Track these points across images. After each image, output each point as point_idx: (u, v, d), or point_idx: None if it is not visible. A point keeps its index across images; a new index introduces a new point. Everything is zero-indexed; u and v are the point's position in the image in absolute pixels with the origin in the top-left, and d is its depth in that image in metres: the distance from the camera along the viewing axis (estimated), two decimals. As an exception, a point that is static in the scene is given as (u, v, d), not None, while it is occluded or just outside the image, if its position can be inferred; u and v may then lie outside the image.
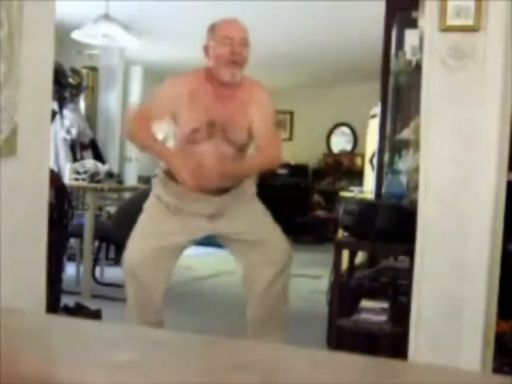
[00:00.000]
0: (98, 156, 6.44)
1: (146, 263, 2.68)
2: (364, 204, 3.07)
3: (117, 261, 5.45)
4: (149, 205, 2.82)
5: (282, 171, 8.87)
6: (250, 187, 2.86)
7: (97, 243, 4.95)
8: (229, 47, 2.60)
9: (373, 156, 4.44)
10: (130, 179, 6.77)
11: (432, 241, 2.44)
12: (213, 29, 2.69)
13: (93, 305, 3.75)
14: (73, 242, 5.03)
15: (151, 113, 2.72)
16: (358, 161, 9.08)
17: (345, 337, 2.86)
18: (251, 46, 2.67)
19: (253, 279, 2.78)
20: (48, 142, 2.59)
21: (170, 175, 2.70)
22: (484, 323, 2.40)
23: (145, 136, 2.68)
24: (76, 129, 6.21)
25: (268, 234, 2.78)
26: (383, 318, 2.73)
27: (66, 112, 6.18)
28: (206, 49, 2.69)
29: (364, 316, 2.75)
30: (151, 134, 2.68)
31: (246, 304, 2.83)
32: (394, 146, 3.61)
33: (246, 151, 2.80)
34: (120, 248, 5.10)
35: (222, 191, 2.72)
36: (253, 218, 2.79)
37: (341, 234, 3.15)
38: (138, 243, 2.76)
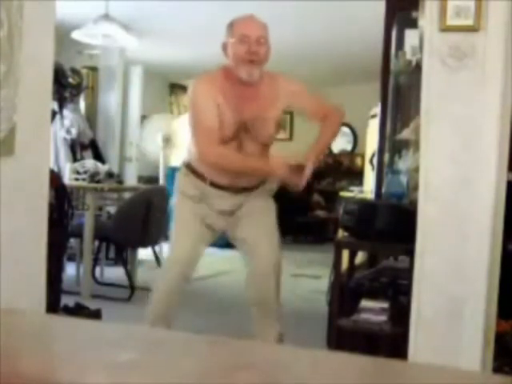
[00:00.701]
0: (98, 156, 6.44)
1: (191, 258, 2.72)
2: (364, 204, 3.08)
3: (117, 261, 5.46)
4: (177, 205, 2.81)
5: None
6: (270, 184, 2.83)
7: (97, 243, 4.95)
8: (245, 46, 2.56)
9: (373, 156, 4.45)
10: (130, 179, 6.77)
11: (432, 241, 2.44)
12: (231, 26, 2.64)
13: (93, 305, 3.75)
14: (73, 242, 5.03)
15: (211, 129, 2.62)
16: (358, 161, 9.08)
17: (345, 337, 2.86)
18: (270, 44, 2.63)
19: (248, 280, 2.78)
20: (48, 142, 2.59)
21: (190, 169, 2.73)
22: (484, 323, 2.40)
23: (231, 158, 2.66)
24: (76, 129, 6.22)
25: (259, 244, 2.73)
26: (383, 317, 2.73)
27: (66, 112, 6.18)
28: (225, 47, 2.66)
29: (364, 316, 2.75)
30: (231, 152, 2.66)
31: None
32: (394, 146, 3.61)
33: (270, 145, 2.79)
34: (120, 248, 5.12)
35: (244, 189, 2.73)
36: (255, 223, 2.77)
37: (341, 234, 3.15)
38: (181, 243, 2.75)
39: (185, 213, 2.77)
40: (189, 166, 2.76)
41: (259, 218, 2.78)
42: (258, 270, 2.72)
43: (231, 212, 2.77)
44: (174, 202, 2.83)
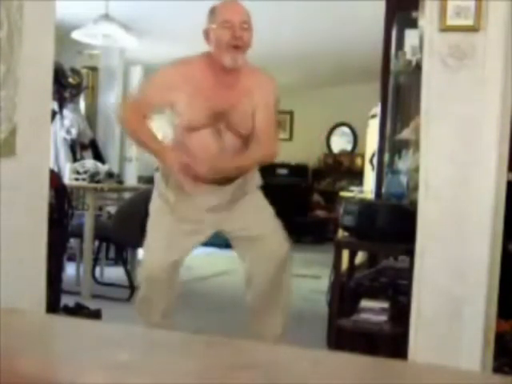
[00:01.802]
0: (98, 156, 6.44)
1: (164, 271, 2.63)
2: (364, 204, 3.08)
3: (117, 261, 5.46)
4: (153, 207, 2.74)
5: (282, 171, 8.88)
6: (253, 179, 2.76)
7: (97, 243, 4.95)
8: (229, 31, 2.49)
9: (373, 156, 4.45)
10: (130, 179, 6.77)
11: (432, 241, 2.44)
12: (213, 12, 2.57)
13: (93, 305, 3.75)
14: (73, 242, 5.03)
15: (145, 101, 2.65)
16: (358, 161, 9.08)
17: (345, 337, 2.86)
18: (253, 30, 2.55)
19: (253, 276, 2.72)
20: (48, 142, 2.59)
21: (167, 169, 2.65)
22: (484, 323, 2.40)
23: (138, 129, 2.63)
24: (76, 129, 6.21)
25: (265, 229, 2.70)
26: (383, 317, 2.73)
27: (66, 112, 6.17)
28: (207, 33, 2.58)
29: (364, 316, 2.75)
30: (145, 126, 2.62)
31: (245, 293, 2.78)
32: (394, 145, 3.61)
33: (250, 140, 2.66)
34: (120, 248, 5.12)
35: (225, 181, 2.64)
36: (252, 211, 2.72)
37: (341, 234, 3.15)
38: (153, 254, 2.67)
39: (162, 222, 2.68)
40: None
41: (257, 211, 2.73)
42: (272, 255, 2.66)
43: (220, 206, 2.67)
44: (152, 206, 2.73)
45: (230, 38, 2.48)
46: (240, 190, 2.70)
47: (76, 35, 5.29)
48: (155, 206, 2.73)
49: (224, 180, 2.61)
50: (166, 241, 2.64)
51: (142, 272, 2.80)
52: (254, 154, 2.63)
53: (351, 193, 5.58)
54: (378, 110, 3.98)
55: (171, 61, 2.72)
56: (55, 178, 3.43)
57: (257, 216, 2.73)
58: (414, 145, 3.19)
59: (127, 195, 5.42)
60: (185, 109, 2.59)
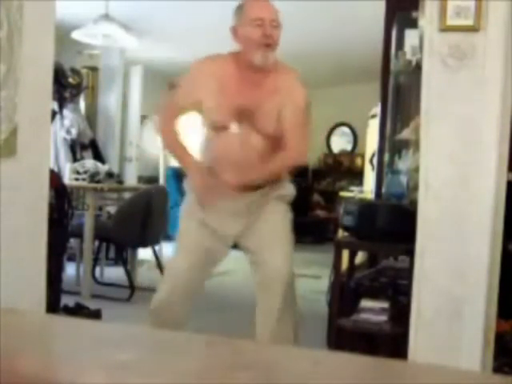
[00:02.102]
0: (98, 156, 6.44)
1: (186, 273, 2.61)
2: (364, 204, 3.08)
3: (117, 261, 5.46)
4: (184, 211, 2.73)
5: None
6: (281, 188, 2.66)
7: (97, 243, 4.95)
8: (260, 29, 2.42)
9: (373, 156, 4.45)
10: (130, 179, 6.77)
11: (432, 241, 2.44)
12: (242, 9, 2.50)
13: (93, 305, 3.75)
14: (73, 242, 5.03)
15: (176, 106, 2.64)
16: (358, 161, 9.08)
17: (345, 337, 2.86)
18: (282, 28, 2.50)
19: (259, 300, 2.62)
20: (48, 141, 2.59)
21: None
22: (484, 323, 2.40)
23: (169, 138, 2.63)
24: (76, 129, 6.22)
25: (269, 256, 2.56)
26: (383, 317, 2.73)
27: (66, 112, 6.18)
28: (235, 31, 2.51)
29: (364, 316, 2.75)
30: (175, 136, 2.60)
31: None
32: (394, 145, 3.61)
33: (280, 142, 2.54)
34: (120, 248, 5.12)
35: (251, 189, 2.55)
36: (267, 233, 2.60)
37: (341, 234, 3.15)
38: (178, 257, 2.68)
39: (190, 229, 2.65)
40: None
41: (270, 226, 2.61)
42: (267, 280, 2.56)
43: (242, 213, 2.60)
44: (183, 209, 2.72)
45: (261, 36, 2.43)
46: (264, 197, 2.61)
47: (76, 35, 5.29)
48: (186, 209, 2.72)
49: (250, 187, 2.55)
50: (189, 244, 2.62)
51: (165, 272, 2.77)
52: (283, 160, 2.54)
53: (351, 193, 5.58)
54: (378, 109, 3.98)
55: (201, 57, 2.65)
56: (55, 178, 3.43)
57: (269, 239, 2.60)
58: (414, 145, 3.19)
59: (127, 195, 5.43)
60: (209, 107, 2.55)
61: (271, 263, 2.55)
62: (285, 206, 2.69)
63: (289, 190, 2.72)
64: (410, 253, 2.54)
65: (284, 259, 2.58)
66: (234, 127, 2.54)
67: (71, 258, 5.10)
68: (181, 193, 8.67)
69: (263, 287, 2.60)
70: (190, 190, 2.70)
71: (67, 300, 3.69)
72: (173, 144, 2.64)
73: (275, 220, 2.63)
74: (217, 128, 2.57)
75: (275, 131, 2.53)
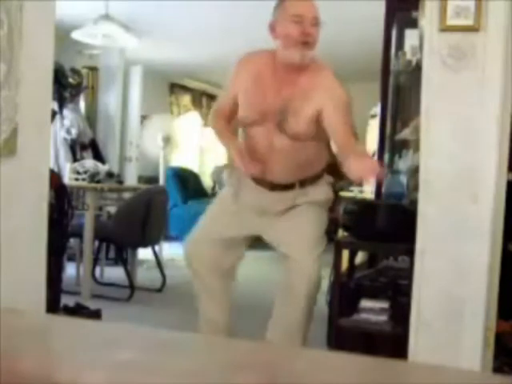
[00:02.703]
0: (98, 156, 6.44)
1: (202, 253, 2.63)
2: (364, 204, 3.08)
3: (117, 261, 5.46)
4: (219, 196, 2.89)
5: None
6: (316, 192, 2.61)
7: (97, 243, 4.95)
8: (300, 26, 2.38)
9: (373, 156, 4.44)
10: (130, 179, 6.77)
11: (432, 241, 2.44)
12: (282, 5, 2.45)
13: (93, 305, 3.75)
14: (73, 242, 5.03)
15: (221, 105, 2.70)
16: (358, 161, 9.06)
17: (345, 337, 2.85)
18: (321, 27, 2.47)
19: (279, 295, 2.62)
20: (48, 141, 2.59)
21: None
22: (484, 323, 2.40)
23: (218, 132, 2.67)
24: (76, 129, 6.22)
25: (296, 251, 2.52)
26: (383, 317, 2.73)
27: (66, 112, 6.18)
28: (273, 27, 2.46)
29: (364, 316, 2.75)
30: (224, 130, 2.63)
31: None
32: (393, 145, 3.61)
33: (309, 141, 2.50)
34: (120, 248, 5.12)
35: (281, 187, 2.56)
36: (292, 228, 2.57)
37: (341, 233, 3.15)
38: (197, 234, 2.71)
39: (215, 208, 2.76)
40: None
41: (299, 225, 2.57)
42: (289, 286, 2.52)
43: (264, 211, 2.59)
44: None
45: (300, 33, 2.38)
46: (294, 200, 2.58)
47: (76, 35, 5.29)
48: (220, 195, 2.86)
49: (270, 185, 2.57)
50: (210, 221, 2.69)
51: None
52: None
53: (351, 193, 5.58)
54: (377, 109, 3.98)
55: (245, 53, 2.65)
56: (55, 177, 3.43)
57: (295, 232, 2.57)
58: (413, 145, 3.19)
59: (127, 195, 5.43)
60: (240, 103, 2.56)
61: (296, 266, 2.50)
62: (317, 209, 2.63)
63: (323, 194, 2.65)
64: (410, 253, 2.53)
65: (310, 264, 2.52)
66: (259, 126, 2.51)
67: (71, 258, 5.09)
68: (181, 193, 8.63)
69: (283, 292, 2.57)
70: (229, 183, 2.77)
71: (67, 300, 3.68)
72: (220, 135, 2.66)
73: (305, 217, 2.59)
74: (245, 124, 2.58)
75: (306, 132, 2.46)
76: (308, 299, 2.53)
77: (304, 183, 2.59)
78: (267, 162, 2.50)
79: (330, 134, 2.46)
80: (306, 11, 2.42)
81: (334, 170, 2.64)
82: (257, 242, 2.80)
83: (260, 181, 2.57)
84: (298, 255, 2.51)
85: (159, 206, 4.81)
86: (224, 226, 2.67)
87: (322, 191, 2.64)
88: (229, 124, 2.66)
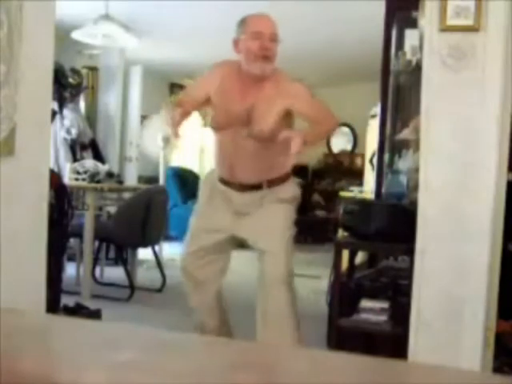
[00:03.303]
0: (98, 156, 6.44)
1: (193, 258, 2.82)
2: (364, 204, 3.07)
3: (117, 261, 5.46)
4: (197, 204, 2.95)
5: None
6: (283, 191, 2.79)
7: (97, 243, 4.95)
8: (259, 42, 2.59)
9: (373, 156, 4.44)
10: (130, 179, 6.77)
11: (432, 241, 2.44)
12: (243, 23, 2.67)
13: (93, 305, 3.75)
14: (73, 242, 5.02)
15: (187, 96, 2.84)
16: (358, 161, 9.08)
17: (345, 337, 2.86)
18: (281, 42, 2.68)
19: (261, 290, 2.74)
20: (48, 142, 2.59)
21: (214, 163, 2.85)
22: (484, 323, 2.40)
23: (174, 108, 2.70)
24: (76, 129, 6.21)
25: (267, 245, 2.71)
26: (383, 317, 2.73)
27: (66, 112, 6.17)
28: (236, 43, 2.68)
29: (364, 316, 2.75)
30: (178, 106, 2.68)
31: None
32: (393, 146, 3.61)
33: (280, 148, 2.65)
34: (120, 248, 5.12)
35: (241, 188, 2.73)
36: (264, 223, 2.74)
37: (341, 234, 3.15)
38: (188, 245, 2.87)
39: (194, 218, 2.88)
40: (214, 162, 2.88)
41: (269, 221, 2.74)
42: (265, 277, 2.69)
43: (235, 211, 2.76)
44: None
45: (259, 48, 2.59)
46: (265, 197, 2.75)
47: (76, 35, 5.29)
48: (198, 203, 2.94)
49: (239, 186, 2.73)
50: (192, 232, 2.85)
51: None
52: (316, 130, 2.68)
53: (351, 193, 5.58)
54: (378, 109, 3.97)
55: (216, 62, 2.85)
56: (55, 178, 3.43)
57: (267, 229, 2.74)
58: (414, 145, 3.19)
59: (127, 195, 5.42)
60: (212, 107, 2.75)
61: (269, 256, 2.69)
62: (285, 206, 2.79)
63: (290, 192, 2.83)
64: (410, 253, 2.54)
65: (283, 258, 2.69)
66: (228, 129, 2.69)
67: (71, 258, 5.09)
68: (181, 193, 8.62)
69: (261, 285, 2.71)
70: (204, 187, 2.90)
71: (67, 300, 3.68)
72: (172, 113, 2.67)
73: (275, 213, 2.76)
74: (216, 129, 2.74)
75: (271, 134, 2.61)
76: (285, 285, 2.67)
77: (272, 183, 2.75)
78: (236, 164, 2.70)
79: (307, 121, 2.71)
80: (265, 28, 2.61)
81: None
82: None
83: (229, 183, 2.75)
84: (269, 247, 2.69)
85: (159, 206, 4.81)
86: (204, 235, 2.81)
87: (289, 190, 2.82)
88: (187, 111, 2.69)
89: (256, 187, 2.73)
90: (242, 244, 2.90)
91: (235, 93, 2.67)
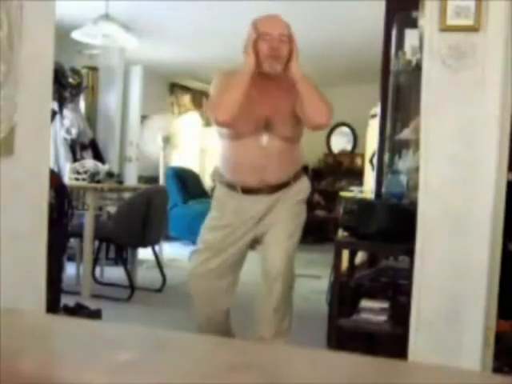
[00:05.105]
0: (98, 156, 6.44)
1: (200, 277, 2.85)
2: (364, 204, 3.07)
3: (117, 261, 5.46)
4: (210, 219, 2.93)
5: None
6: (302, 192, 2.86)
7: (97, 243, 4.95)
8: (268, 43, 2.65)
9: (373, 156, 4.44)
10: (130, 179, 6.77)
11: (432, 241, 2.44)
12: (254, 25, 2.72)
13: (93, 305, 3.75)
14: (73, 241, 5.02)
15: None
16: (358, 161, 9.08)
17: (345, 337, 2.86)
18: (294, 41, 2.74)
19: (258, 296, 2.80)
20: (48, 142, 2.59)
21: (223, 180, 2.84)
22: (484, 323, 2.40)
23: (224, 88, 2.68)
24: (76, 129, 6.21)
25: (270, 246, 2.77)
26: (383, 317, 2.73)
27: (66, 112, 6.17)
28: (247, 45, 2.71)
29: (364, 316, 2.75)
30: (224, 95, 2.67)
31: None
32: (393, 145, 3.61)
33: (297, 142, 2.83)
34: (120, 248, 5.12)
35: (271, 189, 2.76)
36: (277, 220, 2.79)
37: (341, 234, 3.15)
38: (197, 256, 2.88)
39: (208, 228, 2.87)
40: (221, 178, 2.87)
41: (281, 222, 2.79)
42: (266, 272, 2.74)
43: (263, 217, 2.80)
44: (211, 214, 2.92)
45: (268, 49, 2.65)
46: (284, 201, 2.80)
47: (76, 35, 5.29)
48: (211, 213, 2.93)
49: (269, 188, 2.76)
50: (208, 245, 2.84)
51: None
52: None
53: (351, 193, 5.58)
54: (378, 109, 3.97)
55: (221, 71, 2.85)
56: (55, 177, 3.43)
57: (277, 226, 2.79)
58: (414, 145, 3.19)
59: (127, 195, 5.42)
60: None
61: (270, 260, 2.73)
62: (298, 208, 2.85)
63: (304, 192, 2.89)
64: (410, 253, 2.54)
65: (282, 257, 2.73)
66: (250, 135, 2.71)
67: (71, 258, 5.09)
68: (181, 193, 8.62)
69: (262, 283, 2.74)
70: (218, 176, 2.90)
71: (67, 300, 3.68)
72: (230, 87, 2.66)
73: (287, 212, 2.81)
74: (236, 136, 2.72)
75: (289, 131, 2.73)
76: (284, 278, 2.71)
77: (297, 177, 2.84)
78: (266, 166, 2.72)
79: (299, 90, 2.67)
80: (273, 29, 2.68)
81: None
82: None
83: (256, 190, 2.76)
84: (275, 241, 2.76)
85: (159, 206, 4.81)
86: (220, 250, 2.82)
87: (302, 189, 2.88)
88: None
89: (285, 185, 2.79)
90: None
91: (255, 96, 2.67)
